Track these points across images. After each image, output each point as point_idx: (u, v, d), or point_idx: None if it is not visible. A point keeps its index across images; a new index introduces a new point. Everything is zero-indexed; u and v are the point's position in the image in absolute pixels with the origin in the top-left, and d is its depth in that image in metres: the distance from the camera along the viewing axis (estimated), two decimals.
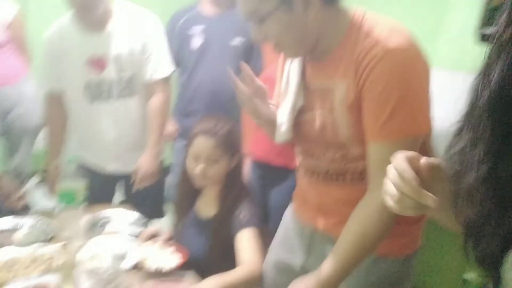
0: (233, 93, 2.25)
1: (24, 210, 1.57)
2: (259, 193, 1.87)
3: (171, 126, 2.24)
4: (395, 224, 0.93)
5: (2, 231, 1.44)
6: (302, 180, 1.13)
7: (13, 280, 1.16)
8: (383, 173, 0.79)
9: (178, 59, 2.10)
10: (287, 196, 1.51)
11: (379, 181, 0.80)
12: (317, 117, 0.97)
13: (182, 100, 2.21)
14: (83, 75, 1.66)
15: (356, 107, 0.88)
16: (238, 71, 2.25)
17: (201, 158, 1.35)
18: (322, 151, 1.00)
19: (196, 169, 1.35)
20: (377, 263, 0.99)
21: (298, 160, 1.13)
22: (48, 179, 1.73)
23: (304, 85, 1.01)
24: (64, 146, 1.81)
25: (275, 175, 1.73)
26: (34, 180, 1.67)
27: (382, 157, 0.81)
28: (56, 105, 1.75)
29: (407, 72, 0.84)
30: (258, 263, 1.25)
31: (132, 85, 1.71)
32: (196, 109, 2.07)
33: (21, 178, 1.97)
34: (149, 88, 1.73)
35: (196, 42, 2.00)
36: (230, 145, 1.37)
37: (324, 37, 0.92)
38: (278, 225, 1.28)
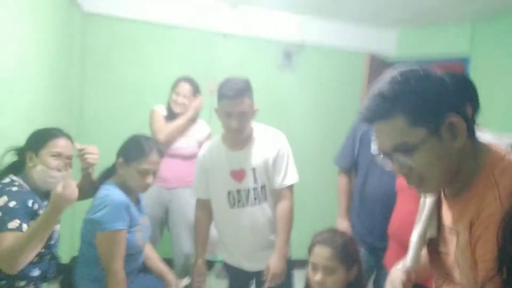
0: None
1: None
2: None
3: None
4: None
5: None
6: None
7: None
8: None
9: (356, 161, 2.34)
10: None
11: None
12: (448, 255, 0.97)
13: (356, 200, 2.36)
14: (227, 184, 2.00)
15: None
16: None
17: (318, 268, 1.39)
18: (454, 284, 0.99)
19: (314, 278, 1.39)
20: None
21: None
22: (195, 275, 2.02)
23: (438, 218, 1.02)
24: (206, 246, 2.12)
25: None
26: (188, 279, 1.98)
27: None
28: (204, 209, 2.11)
29: None
30: None
31: (264, 192, 2.00)
32: (368, 210, 2.21)
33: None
34: (278, 194, 1.99)
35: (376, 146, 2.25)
36: (347, 256, 1.38)
37: (462, 172, 0.90)
38: None
